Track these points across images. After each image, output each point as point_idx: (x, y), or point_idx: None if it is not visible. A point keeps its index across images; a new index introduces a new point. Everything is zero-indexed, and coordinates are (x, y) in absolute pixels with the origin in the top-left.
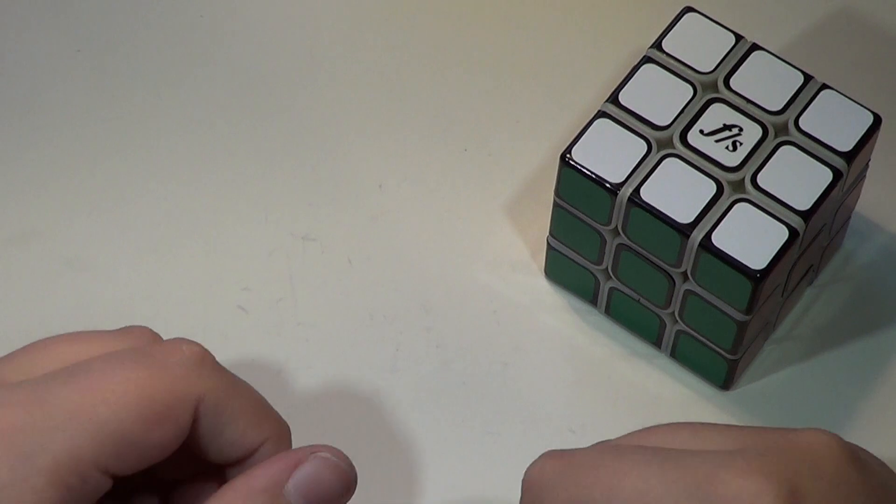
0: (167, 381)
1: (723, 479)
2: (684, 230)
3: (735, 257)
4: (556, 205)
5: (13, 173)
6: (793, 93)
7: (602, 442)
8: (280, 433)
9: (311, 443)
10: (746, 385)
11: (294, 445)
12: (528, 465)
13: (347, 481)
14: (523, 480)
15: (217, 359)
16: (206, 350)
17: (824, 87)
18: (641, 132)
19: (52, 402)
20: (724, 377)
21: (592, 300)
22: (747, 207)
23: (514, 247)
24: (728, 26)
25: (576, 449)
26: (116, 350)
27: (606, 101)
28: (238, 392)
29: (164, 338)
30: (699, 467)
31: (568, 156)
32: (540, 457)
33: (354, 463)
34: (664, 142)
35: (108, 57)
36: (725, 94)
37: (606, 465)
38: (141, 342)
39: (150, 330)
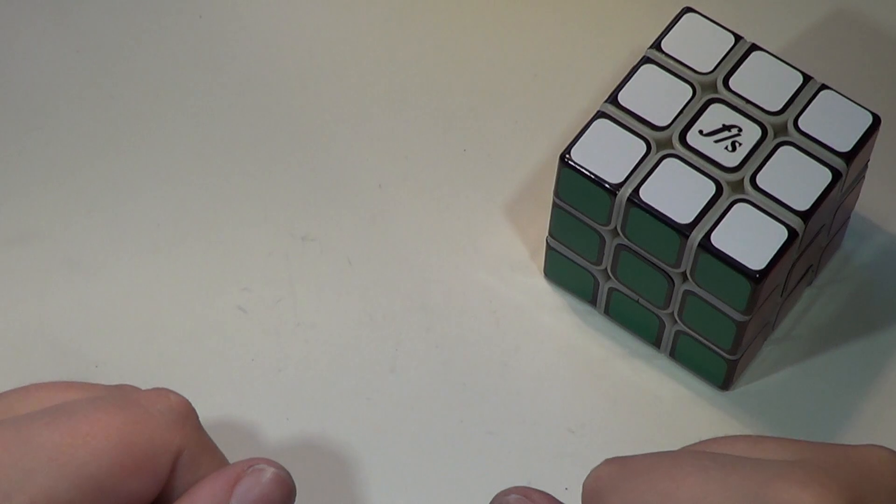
0: (150, 430)
1: (781, 487)
2: (683, 230)
3: (734, 257)
4: (555, 205)
5: (13, 173)
6: (792, 93)
7: (651, 453)
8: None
9: (311, 443)
10: (745, 385)
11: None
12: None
13: (288, 490)
14: (582, 488)
15: (217, 359)
16: (190, 404)
17: (823, 87)
18: (641, 132)
19: (32, 442)
20: (723, 377)
21: (592, 300)
22: (746, 208)
23: (514, 247)
24: (727, 27)
25: (634, 455)
26: (102, 395)
27: (605, 101)
28: (212, 454)
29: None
30: (757, 475)
31: (567, 156)
32: (599, 464)
33: (354, 463)
34: (663, 142)
35: (108, 57)
36: (725, 94)
37: (662, 470)
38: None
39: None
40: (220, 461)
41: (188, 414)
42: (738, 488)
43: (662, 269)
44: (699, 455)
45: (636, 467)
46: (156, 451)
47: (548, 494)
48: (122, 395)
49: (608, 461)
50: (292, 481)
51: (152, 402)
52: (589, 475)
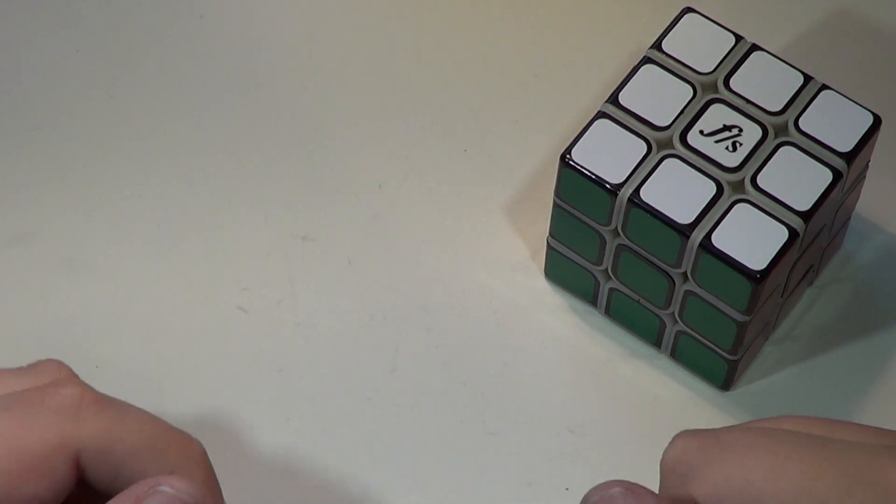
0: (39, 430)
1: (889, 467)
2: (684, 231)
3: (735, 258)
4: (555, 205)
5: (13, 173)
6: (793, 93)
7: (734, 426)
8: (188, 458)
9: (311, 443)
10: (746, 385)
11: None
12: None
13: None
14: (662, 464)
15: (217, 359)
16: (86, 390)
17: (824, 87)
18: (641, 133)
19: None
20: (723, 377)
21: (592, 300)
22: (747, 208)
23: (514, 247)
24: (728, 27)
25: (715, 429)
26: None
27: (606, 101)
28: (126, 428)
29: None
30: (860, 457)
31: (568, 156)
32: (674, 438)
33: (354, 463)
34: (664, 142)
35: (108, 57)
36: (725, 94)
37: (762, 447)
38: (42, 381)
39: (60, 364)
40: (141, 431)
41: (81, 403)
42: (846, 469)
43: (663, 270)
44: (793, 434)
45: (729, 441)
46: (47, 452)
47: (650, 490)
48: (11, 396)
49: (686, 434)
50: (201, 500)
51: (42, 399)
52: (670, 448)
